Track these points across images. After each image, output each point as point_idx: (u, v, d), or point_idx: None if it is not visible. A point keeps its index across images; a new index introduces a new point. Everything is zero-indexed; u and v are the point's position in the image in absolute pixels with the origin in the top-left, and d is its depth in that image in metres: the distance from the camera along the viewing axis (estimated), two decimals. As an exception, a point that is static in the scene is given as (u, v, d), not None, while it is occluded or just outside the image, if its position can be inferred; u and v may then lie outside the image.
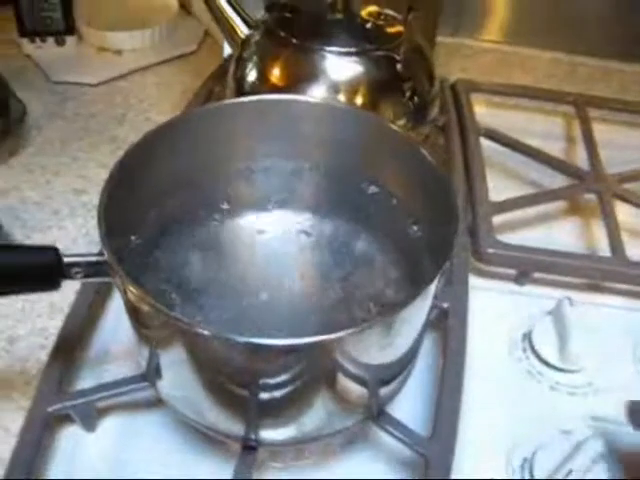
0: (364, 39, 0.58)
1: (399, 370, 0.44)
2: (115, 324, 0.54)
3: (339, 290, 0.48)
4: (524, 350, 0.56)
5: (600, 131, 0.75)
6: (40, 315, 0.57)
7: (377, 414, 0.45)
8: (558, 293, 0.60)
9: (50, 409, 0.45)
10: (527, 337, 0.57)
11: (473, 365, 0.51)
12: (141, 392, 0.47)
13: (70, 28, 0.84)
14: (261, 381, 0.39)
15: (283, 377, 0.39)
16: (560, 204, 0.69)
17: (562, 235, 0.67)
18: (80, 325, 0.51)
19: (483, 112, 0.77)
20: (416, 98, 0.58)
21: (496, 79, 0.83)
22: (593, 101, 0.78)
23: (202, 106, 0.58)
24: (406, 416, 0.47)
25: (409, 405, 0.50)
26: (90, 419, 0.48)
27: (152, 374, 0.45)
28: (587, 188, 0.67)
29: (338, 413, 0.43)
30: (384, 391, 0.44)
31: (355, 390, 0.42)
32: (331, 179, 0.50)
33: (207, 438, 0.47)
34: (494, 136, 0.71)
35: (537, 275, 0.61)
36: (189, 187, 0.49)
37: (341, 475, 0.47)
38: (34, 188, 0.68)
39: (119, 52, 0.85)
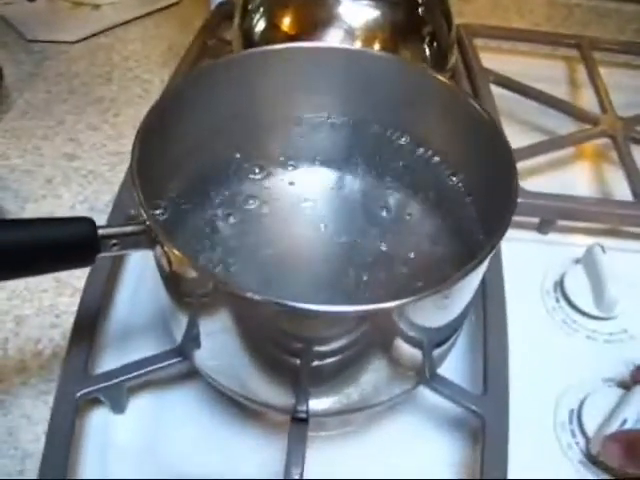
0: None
1: (453, 331, 0.42)
2: (132, 297, 0.51)
3: (377, 245, 0.46)
4: (557, 300, 0.55)
5: (604, 74, 0.73)
6: (46, 291, 0.53)
7: (430, 377, 0.43)
8: (583, 240, 0.59)
9: (78, 394, 0.42)
10: (559, 286, 0.55)
11: (508, 316, 0.49)
12: (174, 367, 0.44)
13: (41, -18, 0.77)
14: (313, 349, 0.36)
15: (337, 344, 0.36)
16: (573, 149, 0.68)
17: (579, 181, 0.66)
18: (98, 301, 0.47)
19: (485, 57, 0.75)
20: (435, 44, 0.55)
21: (493, 23, 0.81)
22: (597, 44, 0.76)
23: (242, 52, 0.52)
24: (455, 376, 0.45)
25: (456, 364, 0.48)
26: (120, 400, 0.44)
27: (189, 347, 0.42)
28: (602, 132, 0.65)
29: (392, 379, 0.41)
30: (437, 353, 0.42)
31: (410, 354, 0.40)
32: (366, 133, 0.47)
33: (248, 412, 0.45)
34: (504, 82, 0.68)
35: (560, 222, 0.59)
36: (219, 140, 0.45)
37: (389, 441, 0.45)
38: (22, 155, 0.63)
39: (97, 6, 0.79)
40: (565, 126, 0.68)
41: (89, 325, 0.46)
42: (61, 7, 0.79)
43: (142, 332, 0.49)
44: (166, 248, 0.34)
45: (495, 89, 0.69)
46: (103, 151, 0.64)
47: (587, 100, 0.73)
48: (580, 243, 0.58)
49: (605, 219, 0.59)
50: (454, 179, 0.46)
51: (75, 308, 0.48)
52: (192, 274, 0.35)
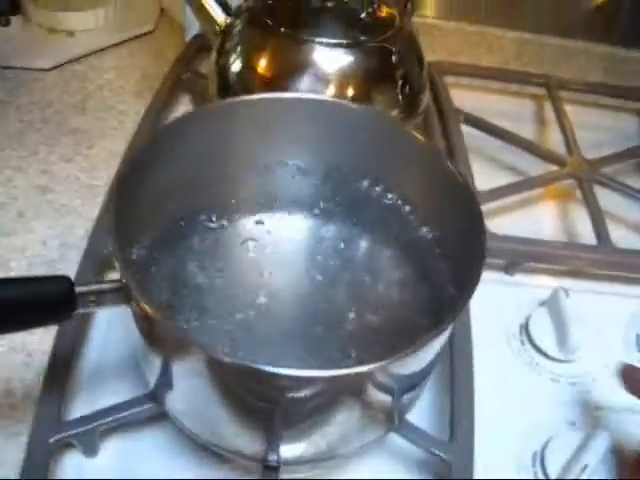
0: (356, 28, 0.55)
1: (422, 378, 0.43)
2: (105, 338, 0.51)
3: (345, 295, 0.47)
4: (522, 342, 0.56)
5: (571, 113, 0.75)
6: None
7: (399, 423, 0.44)
8: (549, 281, 0.61)
9: (51, 440, 0.42)
10: (524, 329, 0.57)
11: (475, 359, 0.51)
12: (147, 412, 0.45)
13: (15, 7, 0.77)
14: (284, 403, 0.37)
15: (309, 401, 0.37)
16: (540, 190, 0.69)
17: (545, 221, 0.68)
18: (71, 344, 0.47)
19: (454, 94, 0.76)
20: (408, 88, 0.56)
21: (464, 60, 0.83)
22: (565, 84, 0.78)
23: (217, 103, 0.53)
24: (423, 420, 0.46)
25: (423, 408, 0.49)
26: (93, 444, 0.45)
27: (162, 393, 0.42)
28: (568, 174, 0.67)
29: (363, 426, 0.42)
30: (406, 398, 0.43)
31: (380, 401, 0.41)
32: (340, 181, 0.48)
33: (219, 456, 0.45)
34: (474, 122, 0.70)
35: (526, 264, 0.61)
36: (192, 189, 0.46)
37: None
38: (-6, 187, 0.63)
39: (71, 33, 0.79)
40: (533, 164, 0.70)
41: (62, 368, 0.46)
42: (36, 33, 0.78)
43: (115, 374, 0.49)
44: (142, 306, 0.34)
45: (464, 127, 0.71)
46: (77, 184, 0.64)
47: (554, 139, 0.75)
48: (546, 284, 0.60)
49: (570, 262, 0.60)
50: (424, 230, 0.47)
51: (47, 346, 0.48)
52: (167, 333, 0.35)
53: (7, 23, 0.77)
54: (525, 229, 0.62)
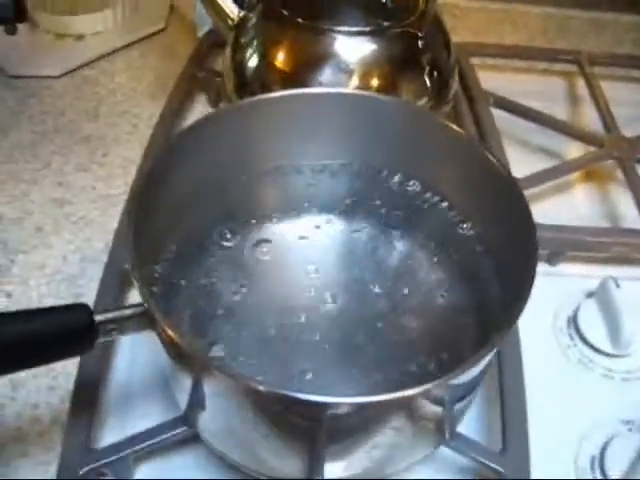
0: (377, 14, 0.52)
1: (473, 387, 0.40)
2: (131, 361, 0.49)
3: (383, 301, 0.44)
4: (571, 337, 0.53)
5: (605, 88, 0.72)
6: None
7: (450, 436, 0.41)
8: (595, 270, 0.57)
9: (82, 471, 0.40)
10: (572, 322, 0.53)
11: (523, 360, 0.48)
12: (179, 436, 0.42)
13: (21, 14, 0.74)
14: (331, 428, 0.35)
15: (353, 425, 0.35)
16: (578, 173, 0.66)
17: (585, 207, 0.64)
18: (96, 367, 0.45)
19: (482, 76, 0.73)
20: (436, 74, 0.53)
21: (488, 40, 0.79)
22: (596, 58, 0.74)
23: (234, 104, 0.50)
24: (473, 431, 0.43)
25: (472, 419, 0.46)
26: (126, 472, 0.42)
27: (194, 416, 0.40)
28: (607, 154, 0.63)
29: (412, 445, 0.39)
30: (457, 410, 0.40)
31: (430, 418, 0.38)
32: (370, 179, 0.45)
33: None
34: (504, 104, 0.67)
35: (569, 253, 0.58)
36: (213, 196, 0.43)
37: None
38: (9, 202, 0.61)
39: (80, 37, 0.76)
40: (568, 146, 0.67)
41: (89, 393, 0.44)
42: (43, 40, 0.76)
43: (143, 397, 0.46)
44: (167, 333, 0.32)
45: (494, 110, 0.67)
46: (94, 194, 0.62)
47: (589, 117, 0.71)
48: (592, 274, 0.56)
49: (616, 249, 0.57)
50: (464, 226, 0.44)
51: (71, 369, 0.46)
52: (196, 360, 0.33)
53: (14, 31, 0.74)
54: (565, 216, 0.59)
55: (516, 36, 0.82)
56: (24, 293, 0.54)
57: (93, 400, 0.44)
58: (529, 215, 0.37)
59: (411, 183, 0.44)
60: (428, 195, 0.45)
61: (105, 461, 0.40)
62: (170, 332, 0.31)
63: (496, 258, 0.41)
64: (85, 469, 0.40)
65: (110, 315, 0.33)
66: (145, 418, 0.43)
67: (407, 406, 0.34)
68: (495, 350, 0.35)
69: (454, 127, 0.41)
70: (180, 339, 0.31)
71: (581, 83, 0.73)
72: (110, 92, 0.72)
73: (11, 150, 0.66)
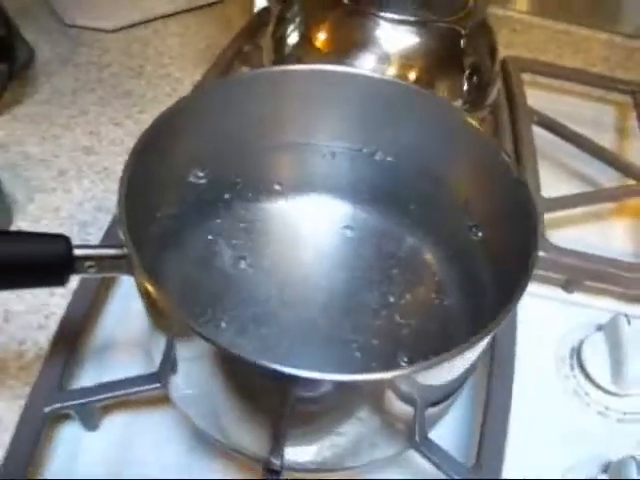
0: (425, 5, 0.51)
1: (451, 392, 0.39)
2: (123, 310, 0.49)
3: (379, 294, 0.43)
4: (572, 367, 0.51)
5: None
6: (41, 289, 0.51)
7: (419, 440, 0.40)
8: (610, 304, 0.55)
9: (47, 409, 0.40)
10: (576, 353, 0.51)
11: (516, 378, 0.46)
12: (151, 392, 0.42)
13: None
14: (297, 406, 0.34)
15: (323, 405, 0.34)
16: (613, 204, 0.63)
17: (614, 239, 0.61)
18: (84, 311, 0.45)
19: (529, 93, 0.71)
20: (475, 77, 0.52)
21: (545, 58, 0.77)
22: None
23: (246, 72, 0.50)
24: (447, 442, 0.42)
25: (450, 429, 0.45)
26: (92, 418, 0.42)
27: (166, 375, 0.40)
28: (646, 190, 0.61)
29: (376, 440, 0.38)
30: (430, 414, 0.39)
31: (401, 413, 0.37)
32: (383, 167, 0.44)
33: (222, 451, 0.42)
34: (548, 124, 0.65)
35: (588, 283, 0.55)
36: (217, 164, 0.43)
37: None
38: (40, 143, 0.62)
39: (141, -4, 0.77)
40: (607, 177, 0.65)
41: (72, 335, 0.44)
42: (104, -6, 0.77)
43: (126, 349, 0.46)
44: (148, 285, 0.31)
45: (536, 128, 0.66)
46: (121, 148, 0.62)
47: (634, 152, 0.69)
48: (606, 307, 0.54)
49: (636, 286, 0.54)
50: (473, 229, 0.43)
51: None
52: (169, 315, 0.32)
53: (76, -19, 0.76)
54: (591, 244, 0.56)
55: (575, 59, 0.79)
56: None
57: (73, 343, 0.44)
58: (529, 199, 0.35)
59: (428, 177, 0.43)
60: (444, 192, 0.43)
61: (72, 402, 0.41)
62: (144, 279, 0.31)
63: (498, 262, 0.40)
64: (50, 407, 0.40)
65: (90, 252, 0.33)
66: (123, 370, 0.43)
67: (374, 395, 0.33)
68: (479, 347, 0.33)
69: (473, 122, 0.39)
70: (152, 288, 0.31)
71: (632, 115, 0.70)
72: (158, 53, 0.73)
73: (52, 94, 0.67)
